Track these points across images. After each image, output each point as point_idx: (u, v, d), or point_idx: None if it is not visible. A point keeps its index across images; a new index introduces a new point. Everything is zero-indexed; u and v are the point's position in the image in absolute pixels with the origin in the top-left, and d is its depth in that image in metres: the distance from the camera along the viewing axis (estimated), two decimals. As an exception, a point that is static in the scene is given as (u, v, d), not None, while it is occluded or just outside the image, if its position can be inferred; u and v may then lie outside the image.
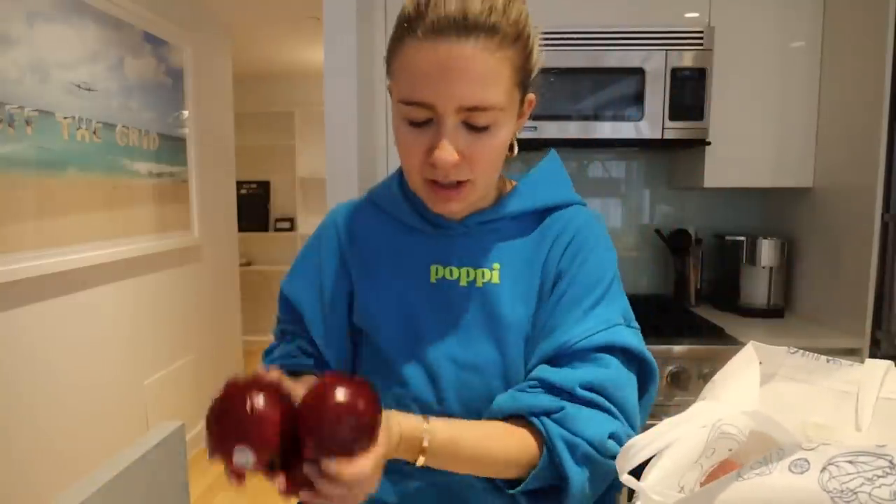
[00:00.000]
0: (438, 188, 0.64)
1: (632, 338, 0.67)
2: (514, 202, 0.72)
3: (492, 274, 0.70)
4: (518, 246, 0.72)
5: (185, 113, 2.79)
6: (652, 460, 0.52)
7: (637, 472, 0.50)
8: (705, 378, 1.53)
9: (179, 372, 2.75)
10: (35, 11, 1.84)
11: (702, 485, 0.49)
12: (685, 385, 1.54)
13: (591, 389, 0.63)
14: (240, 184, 4.47)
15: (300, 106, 4.57)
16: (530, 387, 0.64)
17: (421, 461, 0.58)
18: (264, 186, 4.77)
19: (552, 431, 0.61)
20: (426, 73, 0.58)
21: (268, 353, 0.79)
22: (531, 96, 0.69)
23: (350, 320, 0.75)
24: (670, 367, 1.55)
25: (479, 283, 0.70)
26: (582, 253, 0.69)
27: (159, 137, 2.57)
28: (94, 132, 2.13)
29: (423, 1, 0.58)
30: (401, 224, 0.74)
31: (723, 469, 0.51)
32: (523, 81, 0.64)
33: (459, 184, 0.64)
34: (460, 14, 0.56)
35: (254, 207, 4.70)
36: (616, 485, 0.68)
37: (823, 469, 0.38)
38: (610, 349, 0.65)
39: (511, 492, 0.63)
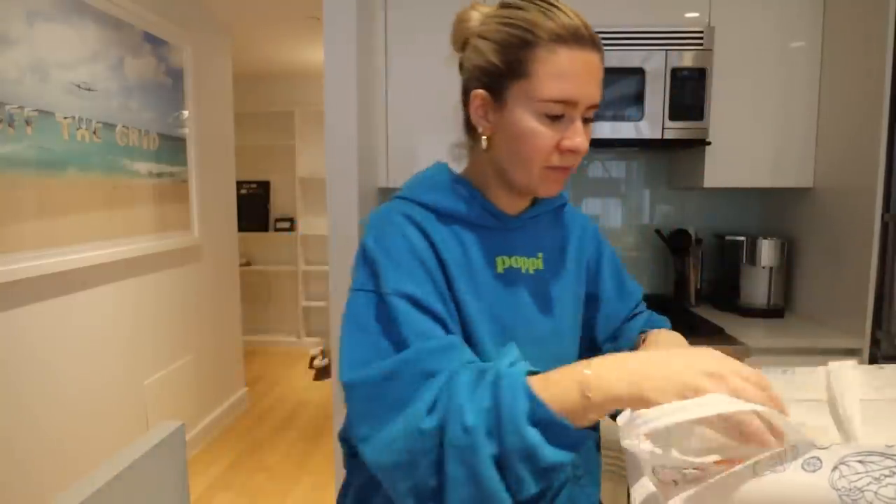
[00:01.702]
0: (557, 172, 0.75)
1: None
2: (547, 200, 0.86)
3: (538, 262, 0.83)
4: (551, 236, 0.87)
5: (185, 113, 2.79)
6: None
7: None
8: (705, 378, 1.53)
9: (179, 372, 2.75)
10: (35, 11, 1.84)
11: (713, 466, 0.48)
12: (685, 385, 1.54)
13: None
14: (240, 184, 4.48)
15: (300, 106, 4.57)
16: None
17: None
18: (264, 186, 4.77)
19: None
20: (576, 75, 0.70)
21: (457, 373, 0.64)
22: None
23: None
24: (670, 367, 1.54)
25: (531, 270, 0.82)
26: (601, 242, 0.93)
27: (159, 137, 2.57)
28: (94, 132, 2.13)
29: (550, 14, 0.70)
30: (465, 224, 0.78)
31: (725, 463, 0.51)
32: None
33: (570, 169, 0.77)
34: (586, 30, 0.71)
35: (254, 207, 4.70)
36: None
37: (835, 468, 0.39)
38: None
39: None
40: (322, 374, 3.97)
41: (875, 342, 1.60)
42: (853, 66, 1.66)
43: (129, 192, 2.34)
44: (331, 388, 1.76)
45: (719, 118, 1.79)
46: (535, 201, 0.85)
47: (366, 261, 0.72)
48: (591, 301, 0.91)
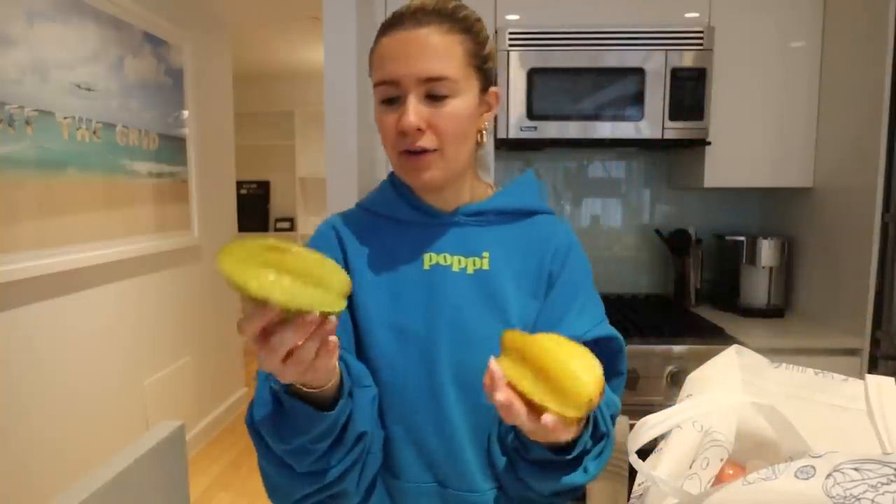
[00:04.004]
0: (411, 157, 0.74)
1: (611, 327, 0.80)
2: (499, 200, 0.83)
3: (482, 261, 0.79)
4: (504, 237, 0.81)
5: (185, 113, 2.79)
6: (650, 462, 0.53)
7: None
8: (705, 378, 1.53)
9: (179, 372, 2.75)
10: (35, 11, 1.84)
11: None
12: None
13: None
14: (240, 184, 4.48)
15: (300, 106, 4.57)
16: None
17: None
18: (264, 186, 4.77)
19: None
20: (393, 56, 0.72)
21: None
22: (495, 89, 0.79)
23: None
24: (670, 367, 1.55)
25: (470, 270, 0.78)
26: (569, 259, 0.81)
27: (159, 137, 2.57)
28: (94, 132, 2.13)
29: (394, 13, 0.74)
30: (395, 222, 0.82)
31: (731, 466, 0.51)
32: (479, 66, 0.75)
33: (428, 153, 0.73)
34: (417, 7, 0.72)
35: (254, 207, 4.70)
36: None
37: (829, 476, 0.38)
38: (604, 339, 0.77)
39: (561, 458, 0.66)
40: (322, 374, 3.96)
41: (875, 342, 1.60)
42: (853, 66, 1.66)
43: (129, 192, 2.34)
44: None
45: (719, 118, 1.79)
46: (480, 200, 0.82)
47: None
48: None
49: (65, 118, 1.97)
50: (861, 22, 1.63)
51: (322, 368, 0.55)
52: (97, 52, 2.15)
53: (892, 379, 0.56)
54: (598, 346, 0.76)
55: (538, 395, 0.52)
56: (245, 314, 0.50)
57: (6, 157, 1.73)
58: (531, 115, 1.75)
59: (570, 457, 0.65)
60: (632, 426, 1.59)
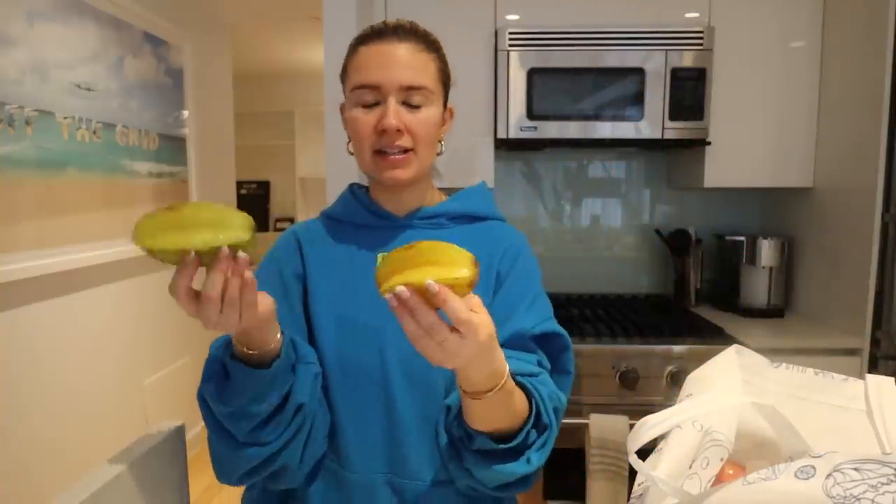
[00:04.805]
0: (388, 156, 0.80)
1: (558, 325, 0.84)
2: (452, 205, 0.89)
3: None
4: (455, 238, 0.84)
5: (185, 113, 2.79)
6: (650, 462, 0.53)
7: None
8: (705, 378, 1.53)
9: (179, 372, 2.75)
10: (35, 11, 1.84)
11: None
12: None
13: (540, 365, 0.79)
14: (240, 184, 4.48)
15: (300, 106, 4.57)
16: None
17: (490, 394, 0.63)
18: (264, 186, 4.78)
19: (541, 391, 0.71)
20: (375, 63, 0.79)
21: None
22: (451, 105, 0.88)
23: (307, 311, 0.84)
24: (670, 367, 1.55)
25: None
26: (518, 260, 0.86)
27: (159, 137, 2.57)
28: (94, 132, 2.13)
29: (372, 27, 0.82)
30: (353, 226, 0.89)
31: (731, 466, 0.51)
32: (444, 82, 0.85)
33: (404, 152, 0.80)
34: (395, 25, 0.81)
35: (254, 207, 4.70)
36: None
37: (829, 475, 0.38)
38: (551, 335, 0.81)
39: (504, 446, 0.68)
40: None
41: (875, 342, 1.60)
42: (853, 66, 1.66)
43: (129, 192, 2.34)
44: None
45: (719, 118, 1.79)
46: (433, 204, 0.89)
47: None
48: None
49: (65, 118, 1.97)
50: (861, 22, 1.63)
51: (253, 303, 0.61)
52: (97, 52, 2.15)
53: (892, 379, 0.56)
54: (546, 343, 0.80)
55: (429, 277, 0.54)
56: (172, 283, 0.58)
57: (6, 157, 1.73)
58: (531, 115, 1.75)
59: (511, 445, 0.68)
60: (632, 426, 1.60)
